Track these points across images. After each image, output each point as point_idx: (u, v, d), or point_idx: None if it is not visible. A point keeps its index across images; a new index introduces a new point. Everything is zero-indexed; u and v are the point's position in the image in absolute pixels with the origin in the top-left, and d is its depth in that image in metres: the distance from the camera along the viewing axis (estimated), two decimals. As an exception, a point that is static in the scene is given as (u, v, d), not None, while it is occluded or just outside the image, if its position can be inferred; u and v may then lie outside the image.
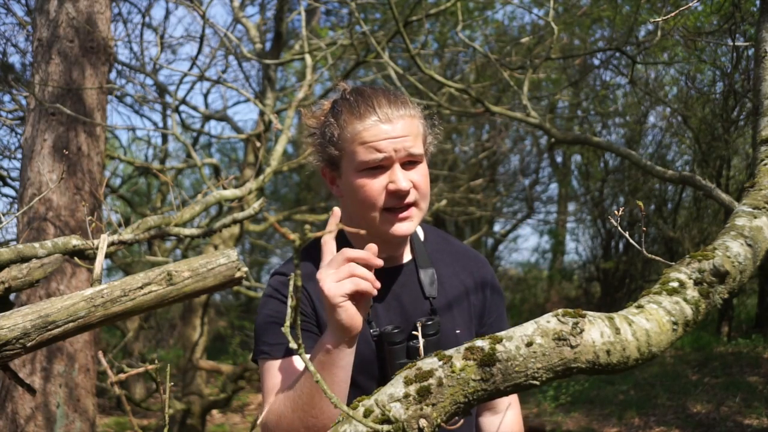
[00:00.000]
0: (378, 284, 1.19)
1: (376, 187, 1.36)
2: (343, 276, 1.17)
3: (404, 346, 1.38)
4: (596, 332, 0.85)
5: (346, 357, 1.23)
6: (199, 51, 4.69)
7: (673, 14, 1.71)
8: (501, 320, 1.56)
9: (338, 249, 1.44)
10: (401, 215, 1.38)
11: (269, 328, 1.42)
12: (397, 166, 1.37)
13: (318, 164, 1.48)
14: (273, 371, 1.39)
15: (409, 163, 1.39)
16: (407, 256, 1.51)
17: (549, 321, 0.85)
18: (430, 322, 1.39)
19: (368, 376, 1.40)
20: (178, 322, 9.38)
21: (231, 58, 7.05)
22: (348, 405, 1.44)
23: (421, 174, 1.40)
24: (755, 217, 1.05)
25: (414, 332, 1.40)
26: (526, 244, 37.58)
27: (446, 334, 1.43)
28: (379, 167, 1.37)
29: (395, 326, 1.40)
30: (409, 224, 1.39)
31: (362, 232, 1.39)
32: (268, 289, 1.49)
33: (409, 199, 1.38)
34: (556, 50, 5.02)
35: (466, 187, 8.35)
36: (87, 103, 3.78)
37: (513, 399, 1.60)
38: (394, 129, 1.36)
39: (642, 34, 6.15)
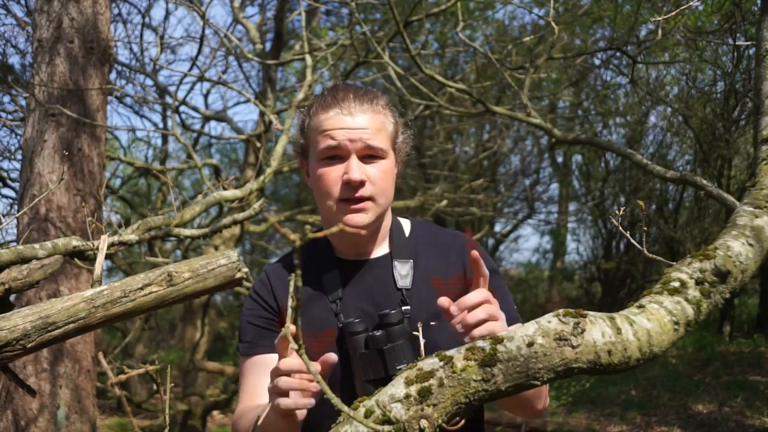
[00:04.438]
0: (312, 393, 1.18)
1: (332, 176, 1.40)
2: (274, 393, 1.19)
3: (364, 336, 1.38)
4: (597, 332, 0.85)
5: (292, 425, 1.26)
6: (199, 51, 4.69)
7: (673, 14, 1.71)
8: (499, 297, 1.48)
9: (320, 251, 1.51)
10: (354, 206, 1.40)
11: (243, 326, 1.51)
12: (353, 158, 1.39)
13: (296, 156, 1.53)
14: (245, 366, 1.49)
15: (369, 157, 1.41)
16: (384, 250, 1.52)
17: (550, 321, 0.85)
18: (392, 312, 1.39)
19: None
20: (178, 323, 9.38)
21: (231, 58, 7.05)
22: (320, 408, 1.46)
23: (380, 169, 1.42)
24: (757, 217, 1.05)
25: (382, 324, 1.38)
26: (527, 245, 37.58)
27: (417, 325, 1.42)
28: (336, 157, 1.41)
29: (357, 317, 1.42)
30: (363, 216, 1.41)
31: (363, 232, 1.41)
32: (254, 283, 1.57)
33: (364, 192, 1.39)
34: (556, 50, 5.01)
35: (467, 188, 8.34)
36: (87, 104, 3.78)
37: None
38: (354, 121, 1.39)
39: (643, 33, 6.15)
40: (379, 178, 1.41)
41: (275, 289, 1.50)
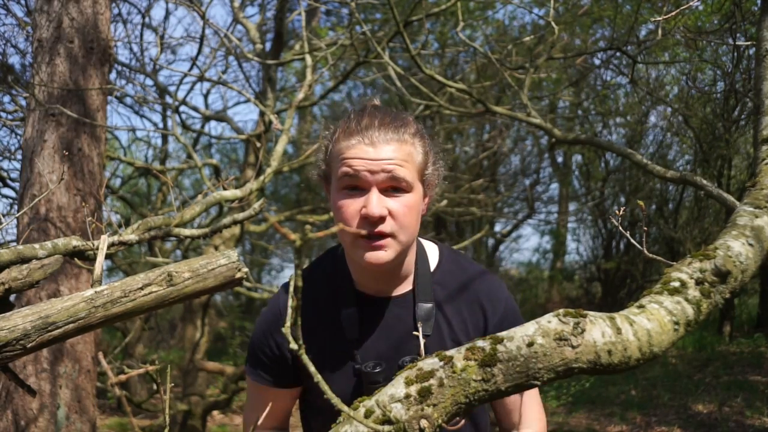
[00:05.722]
0: None
1: (351, 209, 1.31)
2: None
3: (383, 385, 1.34)
4: (597, 332, 0.84)
5: None
6: (199, 51, 4.68)
7: (673, 13, 1.71)
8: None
9: (341, 284, 1.45)
10: (373, 243, 1.31)
11: (252, 352, 1.49)
12: (373, 191, 1.30)
13: (319, 179, 1.44)
14: (251, 390, 1.52)
15: (393, 190, 1.31)
16: (407, 287, 1.44)
17: (550, 321, 0.85)
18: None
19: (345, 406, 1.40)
20: (178, 323, 9.39)
21: (231, 58, 7.05)
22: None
23: (403, 204, 1.31)
24: (757, 217, 1.05)
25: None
26: (527, 245, 37.59)
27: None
28: (357, 189, 1.32)
29: (376, 363, 1.36)
30: (381, 254, 1.31)
31: (363, 232, 1.38)
32: (267, 308, 1.50)
33: (383, 228, 1.30)
34: (557, 50, 5.01)
35: (467, 188, 8.35)
36: (87, 104, 3.78)
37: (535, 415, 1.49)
38: (376, 152, 1.29)
39: (643, 33, 6.15)
40: (401, 213, 1.31)
41: (277, 341, 1.45)
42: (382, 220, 1.30)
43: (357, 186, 1.32)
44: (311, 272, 1.49)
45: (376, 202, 1.29)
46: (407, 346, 1.39)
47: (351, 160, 1.30)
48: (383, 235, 1.31)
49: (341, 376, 1.40)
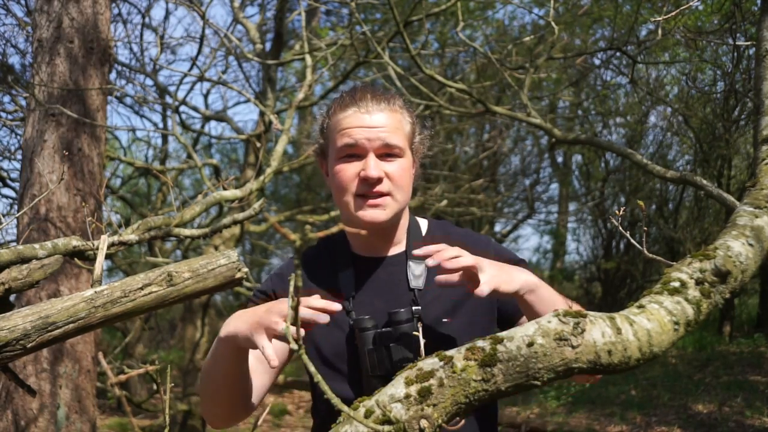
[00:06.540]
0: (324, 319, 1.25)
1: (349, 173, 1.43)
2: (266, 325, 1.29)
3: (373, 332, 1.42)
4: (597, 332, 0.85)
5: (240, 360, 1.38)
6: (199, 51, 4.68)
7: (673, 13, 1.71)
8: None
9: (338, 247, 1.58)
10: (371, 202, 1.43)
11: (266, 282, 1.60)
12: (371, 155, 1.43)
13: (316, 156, 1.57)
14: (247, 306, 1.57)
15: (387, 155, 1.44)
16: (400, 248, 1.55)
17: (550, 321, 0.85)
18: (402, 310, 1.42)
19: (341, 360, 1.47)
20: (178, 323, 9.38)
21: (231, 58, 7.05)
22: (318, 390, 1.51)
23: (398, 167, 1.45)
24: (757, 217, 1.05)
25: (391, 321, 1.43)
26: (527, 245, 37.70)
27: (431, 324, 1.45)
28: (354, 155, 1.44)
29: (367, 314, 1.46)
30: (380, 212, 1.44)
31: (363, 232, 1.44)
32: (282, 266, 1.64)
33: (381, 188, 1.43)
34: (557, 50, 5.01)
35: (467, 188, 8.35)
36: (87, 104, 3.78)
37: None
38: (371, 120, 1.43)
39: (643, 33, 6.15)
40: (397, 175, 1.44)
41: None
42: (379, 181, 1.43)
43: (354, 153, 1.44)
44: (322, 242, 1.62)
45: (374, 165, 1.42)
46: (399, 300, 1.48)
47: (349, 129, 1.44)
48: (381, 194, 1.43)
49: (338, 331, 1.48)
